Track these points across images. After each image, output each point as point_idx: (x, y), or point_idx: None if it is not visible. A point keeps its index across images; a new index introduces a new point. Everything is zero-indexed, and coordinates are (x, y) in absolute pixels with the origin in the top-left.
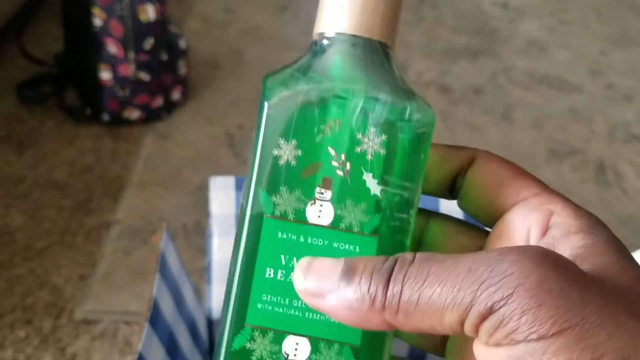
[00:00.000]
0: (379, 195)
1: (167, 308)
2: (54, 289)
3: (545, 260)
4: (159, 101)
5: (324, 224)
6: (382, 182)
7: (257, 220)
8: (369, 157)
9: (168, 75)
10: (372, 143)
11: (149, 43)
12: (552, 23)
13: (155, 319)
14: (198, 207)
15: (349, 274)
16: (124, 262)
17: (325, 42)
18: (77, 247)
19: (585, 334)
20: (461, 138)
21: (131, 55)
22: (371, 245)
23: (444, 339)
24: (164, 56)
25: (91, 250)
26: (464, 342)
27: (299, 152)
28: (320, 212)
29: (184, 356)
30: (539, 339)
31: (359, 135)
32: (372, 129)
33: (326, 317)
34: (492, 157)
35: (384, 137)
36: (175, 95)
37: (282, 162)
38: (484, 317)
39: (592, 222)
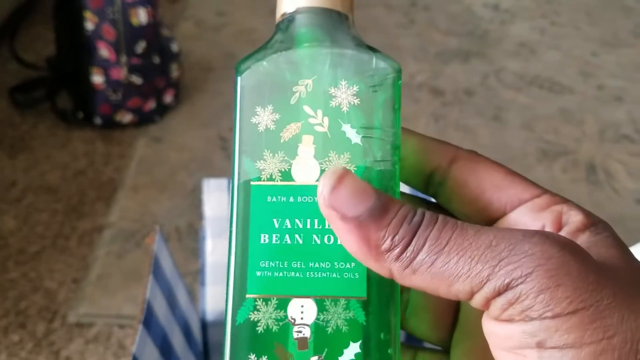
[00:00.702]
0: (361, 143)
1: (161, 310)
2: (47, 293)
3: (566, 246)
4: (151, 104)
5: (311, 180)
6: (361, 130)
7: (245, 188)
8: (345, 109)
9: (160, 78)
10: (346, 95)
11: (141, 46)
12: (543, 25)
13: (149, 321)
14: (191, 209)
15: (380, 210)
16: (117, 265)
17: (287, 19)
18: (70, 250)
19: (600, 315)
20: (453, 139)
21: (123, 58)
22: None
23: (450, 332)
24: (156, 59)
25: (84, 254)
26: (472, 337)
27: (277, 116)
28: (306, 169)
29: (177, 358)
30: (554, 317)
31: (332, 90)
32: (343, 82)
33: (328, 273)
34: (480, 157)
35: (355, 88)
36: (168, 98)
37: (261, 128)
38: (499, 293)
39: (597, 221)
